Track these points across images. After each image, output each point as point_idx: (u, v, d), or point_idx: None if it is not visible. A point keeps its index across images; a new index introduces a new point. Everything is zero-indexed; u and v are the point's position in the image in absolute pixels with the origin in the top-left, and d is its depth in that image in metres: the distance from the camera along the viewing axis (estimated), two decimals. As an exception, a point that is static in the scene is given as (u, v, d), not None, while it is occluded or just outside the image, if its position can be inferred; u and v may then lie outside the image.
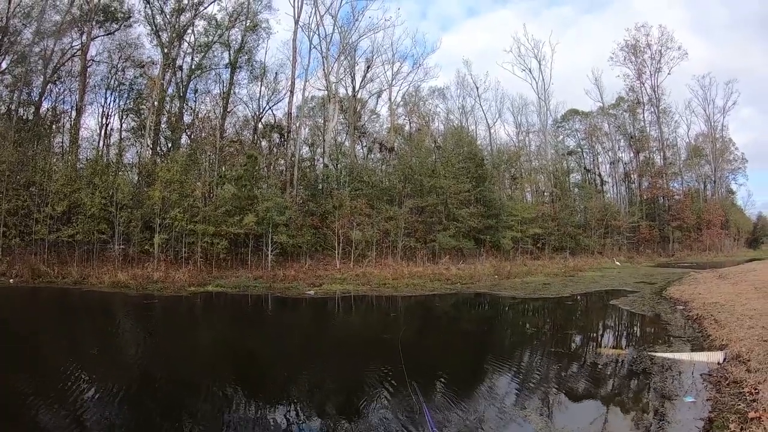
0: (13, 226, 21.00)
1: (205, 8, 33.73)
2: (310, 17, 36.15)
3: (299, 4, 34.44)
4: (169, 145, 33.29)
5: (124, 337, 12.01)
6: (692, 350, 9.71)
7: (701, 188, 61.26)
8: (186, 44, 34.05)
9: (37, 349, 9.82)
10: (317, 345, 11.78)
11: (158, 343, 11.46)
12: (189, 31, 33.65)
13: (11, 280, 18.75)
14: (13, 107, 28.64)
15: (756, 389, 6.52)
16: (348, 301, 18.77)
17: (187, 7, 32.64)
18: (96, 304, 16.51)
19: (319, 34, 36.33)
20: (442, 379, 8.30)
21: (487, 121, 51.25)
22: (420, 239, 31.25)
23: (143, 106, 33.49)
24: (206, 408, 6.89)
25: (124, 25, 32.74)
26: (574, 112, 56.66)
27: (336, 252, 27.60)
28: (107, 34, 32.56)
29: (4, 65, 28.98)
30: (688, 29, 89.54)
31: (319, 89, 40.22)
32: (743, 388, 6.75)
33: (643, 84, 53.53)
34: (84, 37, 31.00)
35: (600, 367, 9.29)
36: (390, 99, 44.51)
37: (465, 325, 15.48)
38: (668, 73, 52.71)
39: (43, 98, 30.70)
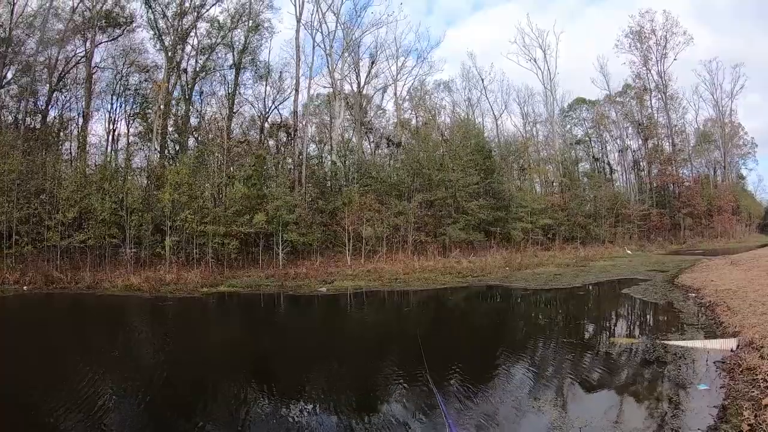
0: (25, 234, 21.14)
1: (207, 10, 33.93)
2: (312, 15, 36.38)
3: (301, 2, 34.67)
4: (177, 147, 33.49)
5: (142, 339, 12.15)
6: (705, 338, 9.70)
7: (711, 174, 60.51)
8: (189, 47, 34.21)
9: (58, 354, 9.90)
10: (333, 342, 11.89)
11: (175, 344, 11.60)
12: (192, 33, 33.80)
13: (25, 287, 18.89)
14: (20, 117, 28.90)
15: (770, 375, 6.51)
16: (360, 297, 18.82)
17: (189, 10, 32.81)
18: (111, 308, 16.67)
19: (322, 32, 36.49)
20: (458, 372, 8.34)
21: (493, 113, 51.13)
22: (430, 233, 31.24)
23: (149, 111, 33.62)
24: (227, 405, 7.00)
25: (127, 31, 32.81)
26: (580, 101, 56.21)
27: (346, 248, 27.66)
28: (110, 40, 32.69)
29: (9, 75, 29.18)
30: (693, 18, 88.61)
31: (324, 87, 40.40)
32: (757, 375, 6.75)
33: (650, 70, 52.98)
34: (87, 44, 31.15)
35: (613, 356, 9.29)
36: (395, 94, 44.49)
37: (478, 318, 15.55)
38: (674, 59, 52.08)
39: (50, 106, 30.92)
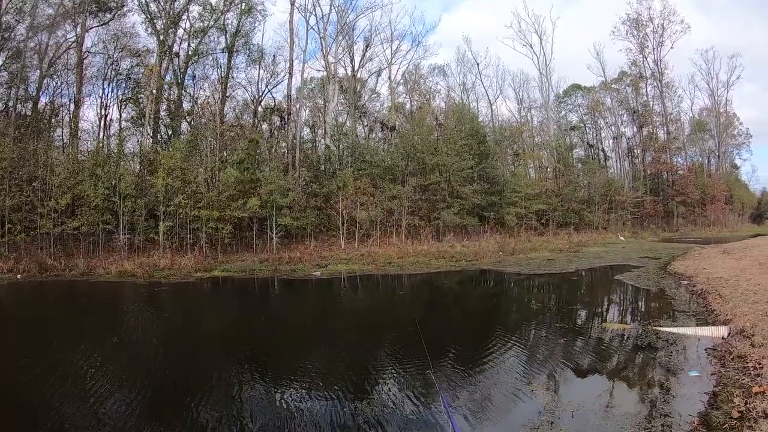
0: (17, 222, 20.90)
1: (199, -7, 33.30)
2: (306, -2, 35.82)
3: (294, -16, 34.10)
4: (170, 132, 33.21)
5: (140, 324, 12.08)
6: (697, 325, 9.78)
7: (705, 163, 60.81)
8: (181, 30, 33.72)
9: (57, 341, 9.78)
10: (328, 326, 11.91)
11: (172, 329, 11.59)
12: (184, 17, 33.26)
13: (18, 276, 18.68)
14: (10, 104, 28.45)
15: (760, 364, 6.58)
16: (354, 281, 18.88)
17: (181, -7, 32.27)
18: (106, 294, 16.56)
19: (315, 15, 36.17)
20: (452, 356, 8.40)
21: (488, 98, 51.08)
22: (424, 217, 31.29)
23: (142, 95, 33.35)
24: (226, 389, 7.00)
25: (118, 15, 32.35)
26: (576, 87, 56.17)
27: (340, 232, 27.69)
28: (101, 25, 32.20)
29: (-1, 62, 28.74)
30: (690, 7, 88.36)
31: (318, 70, 40.16)
32: (747, 363, 6.81)
33: (646, 58, 53.02)
34: (78, 29, 30.64)
35: (605, 342, 9.36)
36: (390, 78, 44.36)
37: (471, 302, 15.63)
38: (671, 47, 52.17)
39: (41, 93, 30.49)
